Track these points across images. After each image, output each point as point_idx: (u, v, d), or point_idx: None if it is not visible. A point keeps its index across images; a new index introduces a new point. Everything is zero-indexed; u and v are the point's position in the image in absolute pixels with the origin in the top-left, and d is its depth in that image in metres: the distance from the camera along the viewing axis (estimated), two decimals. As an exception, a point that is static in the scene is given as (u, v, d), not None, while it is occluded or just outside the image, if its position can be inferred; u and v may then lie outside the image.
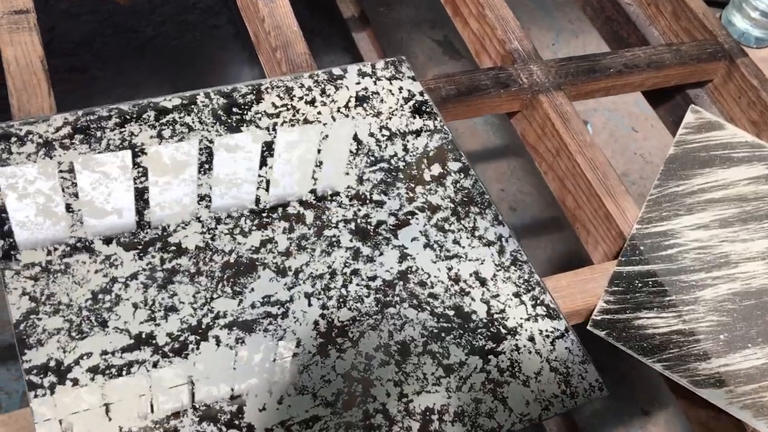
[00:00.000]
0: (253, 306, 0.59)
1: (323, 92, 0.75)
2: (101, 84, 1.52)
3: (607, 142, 1.92)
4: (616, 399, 1.47)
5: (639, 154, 1.92)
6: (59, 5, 1.55)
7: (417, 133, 0.75)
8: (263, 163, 0.68)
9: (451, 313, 0.63)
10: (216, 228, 0.62)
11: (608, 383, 0.61)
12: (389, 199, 0.69)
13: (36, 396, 0.51)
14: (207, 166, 0.66)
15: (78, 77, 1.51)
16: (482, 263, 0.67)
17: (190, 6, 1.68)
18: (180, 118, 0.68)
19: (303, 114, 0.73)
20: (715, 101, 0.97)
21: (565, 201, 0.81)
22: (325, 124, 0.73)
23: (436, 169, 0.72)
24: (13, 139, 0.63)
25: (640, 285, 0.69)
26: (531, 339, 0.63)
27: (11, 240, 0.57)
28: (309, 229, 0.65)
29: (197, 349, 0.56)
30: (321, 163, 0.70)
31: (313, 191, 0.68)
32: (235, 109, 0.71)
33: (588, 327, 0.66)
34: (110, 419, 0.51)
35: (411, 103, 0.77)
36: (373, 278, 0.63)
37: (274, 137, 0.70)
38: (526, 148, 0.87)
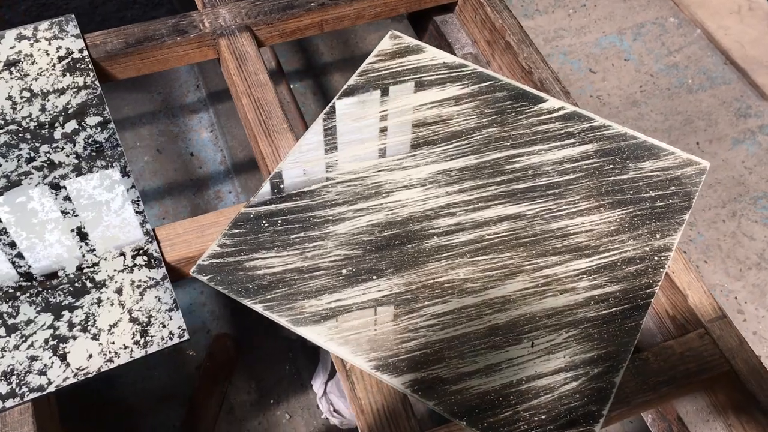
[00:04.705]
0: None
1: (-32, 60, 0.73)
2: None
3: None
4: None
5: (596, 96, 1.83)
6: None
7: (62, 91, 0.72)
8: None
9: (36, 271, 0.61)
10: None
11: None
12: (6, 161, 0.67)
13: None
14: None
15: None
16: (92, 217, 0.64)
17: (129, 2, 1.66)
18: None
19: (-63, 84, 0.71)
20: (463, 25, 0.91)
21: (251, 143, 0.77)
22: (-45, 92, 0.71)
23: (71, 126, 0.70)
24: None
25: (266, 225, 0.65)
26: (119, 291, 0.60)
27: None
28: None
29: None
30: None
31: None
32: None
33: (191, 272, 0.62)
34: None
35: (66, 62, 0.74)
36: (-41, 243, 0.62)
37: None
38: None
